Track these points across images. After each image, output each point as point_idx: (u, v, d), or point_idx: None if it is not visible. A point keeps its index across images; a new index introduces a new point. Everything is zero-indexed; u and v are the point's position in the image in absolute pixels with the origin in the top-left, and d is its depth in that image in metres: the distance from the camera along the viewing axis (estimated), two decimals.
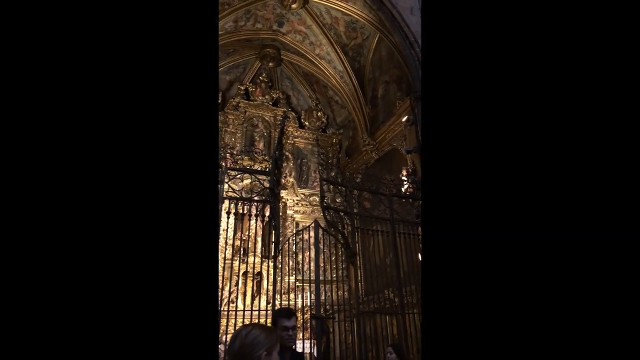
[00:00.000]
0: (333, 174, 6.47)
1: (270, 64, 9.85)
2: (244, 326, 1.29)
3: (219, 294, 6.00)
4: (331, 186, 5.65)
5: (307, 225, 5.72)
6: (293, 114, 10.23)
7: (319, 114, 10.44)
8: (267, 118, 9.77)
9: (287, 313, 2.22)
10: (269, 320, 4.77)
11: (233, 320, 5.12)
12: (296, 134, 9.97)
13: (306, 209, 9.07)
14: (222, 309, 5.26)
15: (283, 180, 8.21)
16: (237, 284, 6.98)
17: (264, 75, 9.97)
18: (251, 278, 7.50)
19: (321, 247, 4.95)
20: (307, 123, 10.29)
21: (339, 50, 8.84)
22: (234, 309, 5.75)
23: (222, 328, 5.06)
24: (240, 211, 4.60)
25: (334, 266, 6.32)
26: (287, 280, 7.19)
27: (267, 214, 4.83)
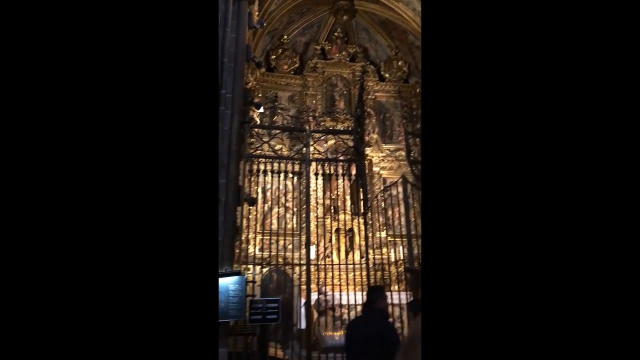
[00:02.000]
0: (419, 126, 6.16)
1: (345, 17, 9.46)
2: None
3: (315, 249, 6.43)
4: (417, 139, 5.41)
5: (395, 181, 5.64)
6: (372, 67, 9.83)
7: (400, 63, 9.83)
8: (345, 75, 9.57)
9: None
10: (363, 274, 4.99)
11: (331, 273, 5.48)
12: (376, 88, 9.61)
13: (392, 164, 8.89)
14: (318, 263, 5.65)
15: (367, 137, 8.12)
16: (330, 240, 7.37)
17: (339, 30, 9.66)
18: (343, 234, 7.83)
19: (410, 202, 4.87)
20: (387, 75, 9.81)
21: None
22: (330, 263, 6.12)
23: (321, 280, 5.46)
24: (328, 172, 4.75)
25: None
26: (378, 235, 7.32)
27: (354, 172, 4.89)
